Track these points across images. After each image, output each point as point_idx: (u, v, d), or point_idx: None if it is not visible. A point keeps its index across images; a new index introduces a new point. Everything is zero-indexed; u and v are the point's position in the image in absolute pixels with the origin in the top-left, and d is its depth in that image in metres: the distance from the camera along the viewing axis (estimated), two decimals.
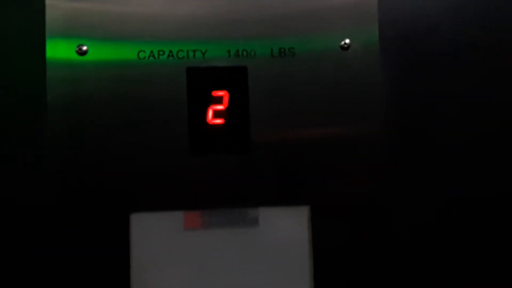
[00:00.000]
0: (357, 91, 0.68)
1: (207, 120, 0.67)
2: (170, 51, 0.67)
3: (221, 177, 0.67)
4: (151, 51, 0.67)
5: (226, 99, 0.68)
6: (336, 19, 0.68)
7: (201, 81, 0.67)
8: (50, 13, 0.65)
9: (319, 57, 0.68)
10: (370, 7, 0.69)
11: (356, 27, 0.68)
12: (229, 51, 0.68)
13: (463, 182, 0.70)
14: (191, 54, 0.67)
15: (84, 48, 0.66)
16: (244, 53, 0.68)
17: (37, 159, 0.65)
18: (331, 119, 0.68)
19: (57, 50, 0.65)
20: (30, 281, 0.65)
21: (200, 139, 0.67)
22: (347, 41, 0.68)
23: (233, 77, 0.68)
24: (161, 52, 0.67)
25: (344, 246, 0.68)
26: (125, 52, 0.66)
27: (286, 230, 0.68)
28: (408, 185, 0.70)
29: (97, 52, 0.66)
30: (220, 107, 0.68)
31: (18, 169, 0.66)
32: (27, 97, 0.66)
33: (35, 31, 0.66)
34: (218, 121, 0.67)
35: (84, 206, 0.65)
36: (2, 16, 0.66)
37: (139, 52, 0.67)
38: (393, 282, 0.67)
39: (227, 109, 0.67)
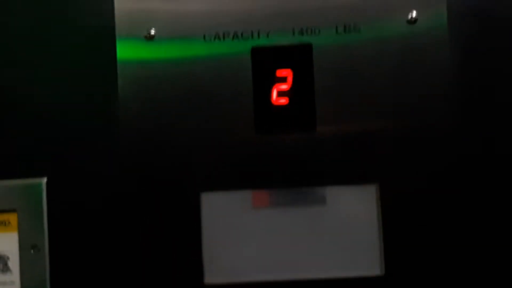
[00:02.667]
0: (425, 68, 0.66)
1: (272, 100, 0.67)
2: (235, 32, 0.67)
3: (288, 156, 0.67)
4: (216, 33, 0.67)
5: (290, 79, 0.68)
6: None
7: (265, 60, 0.67)
8: (119, 15, 0.67)
9: (385, 33, 0.67)
10: None
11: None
12: (293, 29, 0.67)
13: None
14: (255, 34, 0.67)
15: (152, 32, 0.67)
16: (309, 30, 0.67)
17: (114, 148, 0.67)
18: (398, 97, 0.66)
19: (126, 35, 0.67)
20: (112, 261, 0.67)
21: (265, 119, 0.67)
22: (414, 14, 0.66)
23: (297, 55, 0.67)
24: (226, 33, 0.67)
25: (415, 226, 0.66)
26: (191, 35, 0.67)
27: (354, 208, 0.67)
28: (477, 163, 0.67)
29: (164, 35, 0.67)
30: (284, 86, 0.68)
31: (98, 161, 0.68)
32: (99, 93, 0.68)
33: (105, 32, 0.67)
34: (283, 100, 0.67)
35: (159, 189, 0.67)
36: (74, 20, 0.69)
37: (204, 34, 0.67)
38: (466, 265, 0.65)
39: (291, 88, 0.67)
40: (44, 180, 0.68)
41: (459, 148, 0.66)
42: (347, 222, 0.67)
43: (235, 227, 0.67)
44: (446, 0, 0.66)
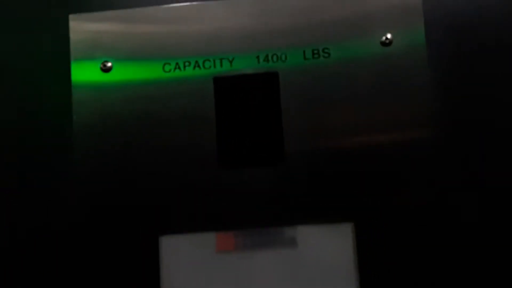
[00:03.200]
0: (401, 92, 0.60)
1: (237, 132, 0.62)
2: (196, 62, 0.63)
3: (254, 193, 0.62)
4: (177, 63, 0.63)
5: (257, 108, 0.62)
6: (375, 11, 0.61)
7: (229, 90, 0.63)
8: (74, 36, 0.64)
9: (357, 57, 0.61)
10: None
11: (399, 20, 0.61)
12: (258, 57, 0.63)
13: None
14: (217, 62, 0.63)
15: (109, 64, 0.63)
16: (274, 58, 0.62)
17: (65, 179, 0.63)
18: (373, 124, 0.60)
19: (82, 70, 0.64)
20: None
21: (229, 152, 0.62)
22: (389, 36, 0.61)
23: (263, 84, 0.62)
24: (187, 63, 0.63)
25: (394, 268, 0.59)
26: (150, 66, 0.63)
27: (328, 250, 0.60)
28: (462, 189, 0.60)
29: (122, 67, 0.63)
30: (249, 116, 0.62)
31: (47, 189, 0.64)
32: (53, 118, 0.65)
33: (60, 54, 0.64)
34: (248, 131, 0.62)
35: (113, 231, 0.62)
36: (27, 42, 0.66)
37: (164, 64, 0.63)
38: None
39: (257, 118, 0.62)
40: None
41: (439, 183, 0.59)
42: (320, 265, 0.60)
43: (197, 273, 0.61)
44: (424, 20, 0.61)
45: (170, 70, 0.63)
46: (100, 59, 0.64)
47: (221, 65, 0.63)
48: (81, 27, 0.65)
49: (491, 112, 0.61)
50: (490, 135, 0.60)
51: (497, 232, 0.59)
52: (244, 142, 0.62)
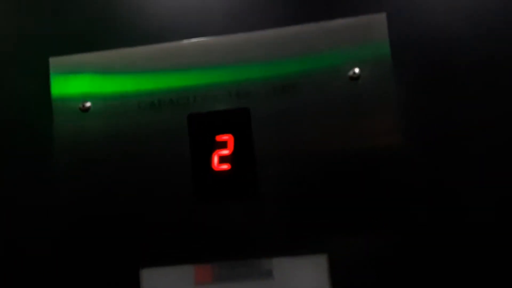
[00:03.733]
0: (370, 123, 0.61)
1: (213, 166, 0.64)
2: (170, 99, 0.65)
3: (230, 226, 0.63)
4: (152, 101, 0.65)
5: (231, 143, 0.64)
6: (343, 48, 0.63)
7: (203, 126, 0.64)
8: (54, 77, 0.66)
9: (326, 90, 0.63)
10: (379, 31, 0.62)
11: (366, 55, 0.62)
12: (229, 93, 0.64)
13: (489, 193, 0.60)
14: (191, 99, 0.65)
15: (87, 104, 0.66)
16: (245, 93, 0.64)
17: (45, 214, 0.66)
18: (344, 156, 0.62)
19: (62, 110, 0.66)
20: None
21: (206, 187, 0.64)
22: (357, 70, 0.62)
23: (236, 119, 0.64)
24: (161, 101, 0.65)
25: None
26: (127, 105, 0.65)
27: (303, 281, 0.62)
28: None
29: (99, 105, 0.66)
30: (225, 151, 0.64)
31: (31, 219, 0.66)
32: (34, 156, 0.67)
33: (41, 94, 0.67)
34: (224, 166, 0.64)
35: (95, 264, 0.64)
36: (10, 82, 0.68)
37: (139, 103, 0.65)
38: None
39: (233, 153, 0.64)
40: None
41: (410, 214, 0.60)
42: None
43: None
44: (390, 55, 0.62)
45: (145, 108, 0.65)
46: (79, 99, 0.66)
47: (195, 102, 0.65)
48: (61, 68, 0.67)
49: (459, 147, 0.61)
50: (460, 173, 0.61)
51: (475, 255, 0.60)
52: (219, 176, 0.64)
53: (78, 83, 0.66)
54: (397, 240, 0.60)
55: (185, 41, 0.65)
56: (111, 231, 0.64)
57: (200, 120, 0.64)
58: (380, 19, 0.62)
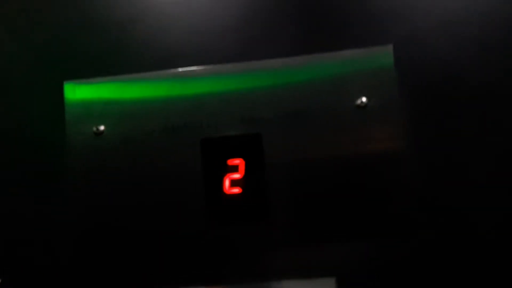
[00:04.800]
0: (378, 150, 0.64)
1: (224, 190, 0.66)
2: (184, 124, 0.67)
3: (240, 248, 0.65)
4: (165, 126, 0.67)
5: (242, 167, 0.66)
6: (351, 76, 0.65)
7: (215, 151, 0.66)
8: (69, 101, 0.68)
9: (334, 118, 0.65)
10: (386, 61, 0.65)
11: (373, 84, 0.65)
12: (242, 118, 0.66)
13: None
14: (204, 124, 0.67)
15: (101, 128, 0.67)
16: (257, 119, 0.66)
17: (56, 238, 0.67)
18: (353, 182, 0.64)
19: (76, 134, 0.67)
20: None
21: (217, 209, 0.65)
22: (364, 99, 0.64)
23: (247, 144, 0.66)
24: (175, 126, 0.67)
25: None
26: (141, 130, 0.67)
27: None
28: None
29: (113, 130, 0.67)
30: (236, 175, 0.66)
31: (44, 252, 0.67)
32: (48, 178, 0.68)
33: (55, 117, 0.68)
34: (235, 190, 0.66)
35: (105, 284, 0.65)
36: (24, 106, 0.70)
37: (154, 127, 0.67)
38: None
39: (244, 177, 0.66)
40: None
41: (416, 239, 0.63)
42: None
43: None
44: (397, 83, 0.64)
45: (159, 132, 0.67)
46: (93, 123, 0.67)
47: (208, 127, 0.67)
48: (75, 92, 0.68)
49: (466, 170, 0.63)
50: (466, 194, 0.63)
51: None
52: (230, 200, 0.66)
53: (92, 107, 0.68)
54: (405, 263, 0.62)
55: (199, 67, 0.67)
56: (122, 252, 0.66)
57: (212, 145, 0.66)
58: (386, 50, 0.65)
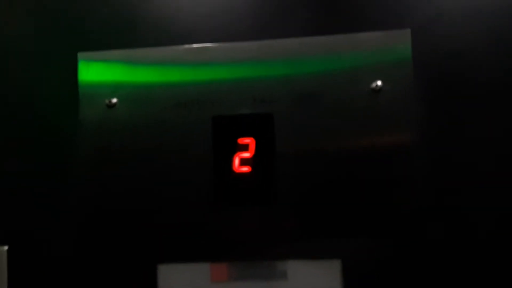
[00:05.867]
0: (390, 135, 0.63)
1: (233, 168, 0.66)
2: (196, 100, 0.67)
3: (248, 228, 0.65)
4: (177, 102, 0.67)
5: (252, 147, 0.66)
6: (366, 60, 0.64)
7: (226, 129, 0.66)
8: (82, 73, 0.68)
9: (348, 101, 0.64)
10: (403, 46, 0.64)
11: (389, 68, 0.64)
12: (254, 98, 0.66)
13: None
14: (216, 102, 0.66)
15: (114, 100, 0.67)
16: (270, 98, 0.66)
17: (65, 207, 0.67)
18: (363, 165, 0.64)
19: (89, 105, 0.67)
20: None
21: (227, 188, 0.65)
22: (379, 83, 0.64)
23: (259, 124, 0.66)
24: (187, 102, 0.67)
25: None
26: (153, 104, 0.67)
27: (316, 284, 0.64)
28: None
29: (125, 103, 0.67)
30: (246, 154, 0.66)
31: (53, 221, 0.68)
32: (59, 149, 0.68)
33: (68, 88, 0.68)
34: (245, 169, 0.66)
35: (113, 258, 0.66)
36: (39, 76, 0.70)
37: (165, 100, 0.67)
38: None
39: (254, 156, 0.66)
40: (5, 248, 0.68)
41: (423, 223, 0.62)
42: None
43: None
44: (412, 69, 0.64)
45: (171, 107, 0.67)
46: (105, 95, 0.67)
47: (220, 104, 0.66)
48: (89, 64, 0.68)
49: (481, 156, 0.63)
50: (479, 180, 0.63)
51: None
52: (239, 178, 0.66)
53: (105, 79, 0.68)
54: (411, 248, 0.62)
55: (214, 44, 0.67)
56: (130, 226, 0.66)
57: (223, 122, 0.66)
58: (404, 34, 0.64)
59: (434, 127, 0.64)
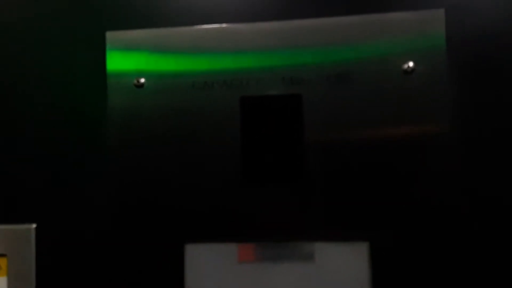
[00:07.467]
0: (421, 117, 0.62)
1: (261, 150, 0.65)
2: (224, 81, 0.66)
3: (276, 209, 0.65)
4: (205, 82, 0.66)
5: (280, 128, 0.65)
6: (398, 40, 0.63)
7: (254, 110, 0.66)
8: (110, 52, 0.67)
9: (379, 82, 0.63)
10: (436, 26, 0.63)
11: (421, 49, 0.63)
12: (283, 78, 0.65)
13: None
14: (244, 82, 0.66)
15: (142, 80, 0.67)
16: (299, 79, 0.65)
17: (98, 187, 0.68)
18: (392, 147, 0.63)
19: (117, 85, 0.67)
20: None
21: (254, 169, 0.65)
22: (411, 64, 0.63)
23: (287, 105, 0.65)
24: (215, 82, 0.66)
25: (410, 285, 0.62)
26: (181, 84, 0.66)
27: (344, 266, 0.64)
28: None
29: (153, 83, 0.67)
30: (274, 136, 0.65)
31: (82, 198, 0.68)
32: (89, 129, 0.69)
33: (96, 67, 0.68)
34: (272, 150, 0.65)
35: (143, 237, 0.66)
36: (67, 55, 0.70)
37: (194, 82, 0.66)
38: None
39: (282, 138, 0.65)
40: (33, 226, 0.68)
41: (453, 208, 0.62)
42: (336, 280, 0.64)
43: (220, 281, 0.65)
44: (446, 50, 0.62)
45: (199, 88, 0.66)
46: (133, 75, 0.67)
47: (248, 85, 0.66)
48: (117, 44, 0.68)
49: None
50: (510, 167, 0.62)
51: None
52: (267, 159, 0.65)
53: (133, 59, 0.68)
54: (440, 233, 0.62)
55: (242, 24, 0.66)
56: (159, 206, 0.66)
57: (252, 103, 0.66)
58: (438, 14, 0.63)
59: (468, 107, 0.63)
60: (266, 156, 0.65)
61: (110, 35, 0.68)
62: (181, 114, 0.66)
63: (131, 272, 0.66)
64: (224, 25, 0.67)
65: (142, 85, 0.67)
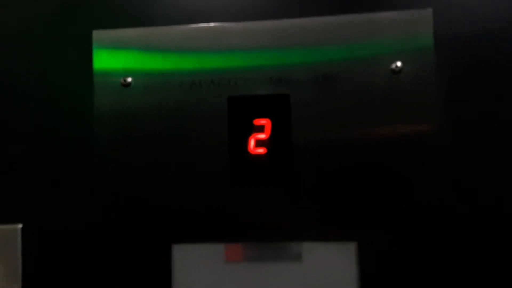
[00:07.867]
0: (409, 117, 0.62)
1: (249, 150, 0.65)
2: (212, 80, 0.66)
3: (263, 209, 0.65)
4: (193, 81, 0.66)
5: (268, 128, 0.65)
6: (386, 40, 0.63)
7: (242, 109, 0.65)
8: (97, 51, 0.67)
9: (367, 82, 0.63)
10: (424, 26, 0.63)
11: (409, 49, 0.63)
12: (271, 78, 0.65)
13: None
14: (232, 82, 0.66)
15: (129, 79, 0.66)
16: (287, 79, 0.65)
17: (83, 188, 0.67)
18: (380, 147, 0.63)
19: (104, 84, 0.67)
20: None
21: (242, 170, 0.65)
22: (399, 64, 0.63)
23: (275, 105, 0.65)
24: (202, 82, 0.66)
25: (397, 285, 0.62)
26: (168, 83, 0.66)
27: (331, 266, 0.64)
28: None
29: (140, 82, 0.66)
30: (262, 136, 0.65)
31: (69, 200, 0.68)
32: (75, 128, 0.68)
33: (82, 66, 0.68)
34: (260, 150, 0.65)
35: (130, 238, 0.66)
36: (54, 55, 0.69)
37: (180, 81, 0.66)
38: None
39: (270, 138, 0.65)
40: (20, 226, 0.68)
41: (440, 208, 0.62)
42: (324, 280, 0.63)
43: (207, 281, 0.65)
44: (434, 50, 0.62)
45: (186, 87, 0.66)
46: (120, 74, 0.67)
47: (236, 85, 0.65)
48: (104, 42, 0.67)
49: (499, 139, 0.62)
50: (499, 167, 0.62)
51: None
52: (255, 159, 0.65)
53: (120, 58, 0.67)
54: (429, 233, 0.62)
55: (230, 24, 0.66)
56: (146, 206, 0.66)
57: (239, 103, 0.65)
58: (426, 14, 0.63)
59: (455, 107, 0.62)
60: (254, 156, 0.65)
61: (97, 34, 0.68)
62: (168, 113, 0.66)
63: (118, 272, 0.66)
64: (211, 24, 0.66)
65: (129, 84, 0.67)
